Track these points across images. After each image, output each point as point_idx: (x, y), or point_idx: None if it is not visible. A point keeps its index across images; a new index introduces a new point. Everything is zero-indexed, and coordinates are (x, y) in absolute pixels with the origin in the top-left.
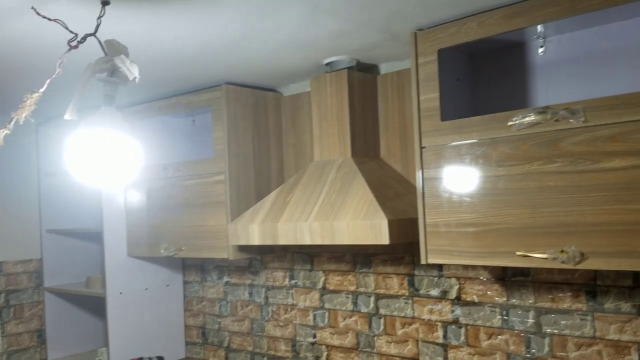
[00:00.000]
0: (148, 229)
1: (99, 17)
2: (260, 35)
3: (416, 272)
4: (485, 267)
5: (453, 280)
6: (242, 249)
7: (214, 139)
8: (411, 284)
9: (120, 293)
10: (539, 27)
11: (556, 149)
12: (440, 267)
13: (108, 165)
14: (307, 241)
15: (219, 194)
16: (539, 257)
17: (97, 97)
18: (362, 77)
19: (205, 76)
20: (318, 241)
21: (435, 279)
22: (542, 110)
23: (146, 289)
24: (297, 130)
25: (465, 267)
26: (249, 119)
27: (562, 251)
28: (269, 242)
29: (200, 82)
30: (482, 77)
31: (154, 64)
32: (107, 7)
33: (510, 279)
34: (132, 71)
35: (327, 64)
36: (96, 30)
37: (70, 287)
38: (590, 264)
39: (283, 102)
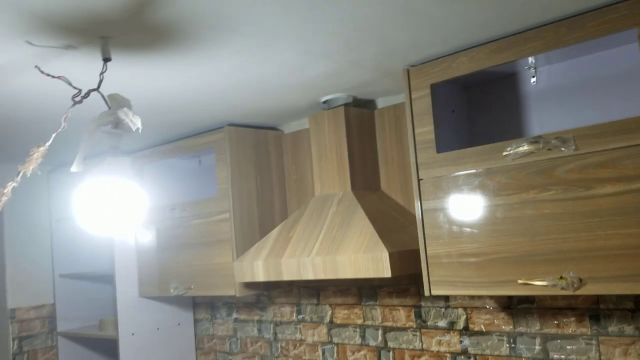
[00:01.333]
0: (158, 269)
1: (101, 73)
2: (258, 79)
3: (422, 304)
4: (491, 296)
5: (460, 310)
6: (249, 285)
7: (218, 178)
8: (418, 315)
9: (133, 334)
10: (530, 58)
11: (550, 177)
12: (446, 297)
13: (115, 213)
14: (311, 276)
15: (224, 232)
16: (539, 285)
17: (104, 145)
18: (359, 112)
19: (208, 119)
20: (321, 276)
21: (442, 309)
22: (535, 140)
23: (158, 328)
24: (298, 166)
25: (472, 297)
26: (251, 158)
27: (561, 277)
28: (273, 279)
29: (204, 124)
30: (478, 108)
31: (157, 111)
32: (109, 63)
33: (516, 306)
34: (135, 122)
35: (325, 102)
36: (99, 86)
37: (84, 331)
38: (589, 290)
39: (284, 139)
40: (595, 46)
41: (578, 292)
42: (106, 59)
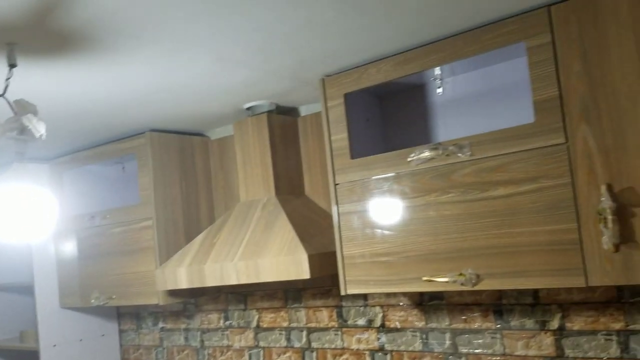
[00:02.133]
0: (79, 279)
1: (7, 79)
2: (175, 85)
3: (344, 304)
4: (405, 294)
5: (377, 308)
6: (173, 293)
7: (140, 185)
8: (340, 315)
9: (54, 346)
10: (437, 70)
11: (449, 181)
12: (365, 296)
13: (25, 220)
14: (234, 281)
15: (146, 239)
16: (441, 281)
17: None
18: (283, 119)
19: (130, 124)
20: (244, 280)
21: (362, 308)
22: (435, 147)
23: (81, 340)
24: (225, 172)
25: (388, 294)
26: (175, 164)
27: (461, 274)
28: (196, 285)
29: (126, 130)
30: (391, 116)
31: (73, 116)
32: (16, 69)
33: (427, 303)
34: (39, 129)
35: (248, 109)
36: (4, 92)
37: (4, 343)
38: (486, 285)
39: (211, 145)
40: (495, 58)
41: (476, 288)
42: (12, 65)
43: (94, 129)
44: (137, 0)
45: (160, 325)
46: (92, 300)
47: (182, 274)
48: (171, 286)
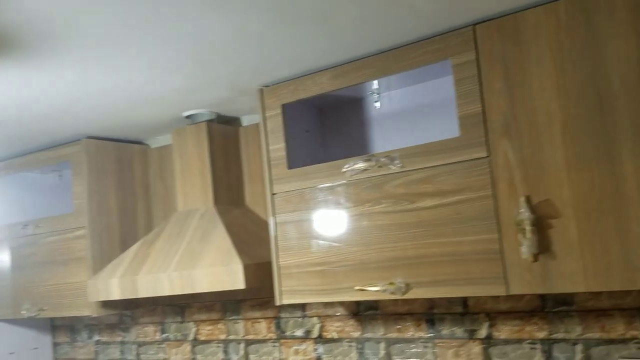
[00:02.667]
0: (11, 289)
1: None
2: (110, 91)
3: (282, 315)
4: (342, 304)
5: (315, 319)
6: (107, 304)
7: (74, 193)
8: (278, 326)
9: None
10: (374, 84)
11: (381, 192)
12: (303, 307)
13: None
14: (167, 292)
15: (79, 249)
16: (373, 290)
17: None
18: (223, 129)
19: (66, 131)
20: (178, 291)
21: (300, 319)
22: (368, 158)
23: (12, 353)
24: (165, 181)
25: (325, 305)
26: (112, 172)
27: (391, 283)
28: (129, 296)
29: (63, 137)
30: (330, 128)
31: (3, 122)
32: None
33: (363, 313)
34: None
35: (188, 117)
36: None
37: None
38: (414, 294)
39: (150, 154)
40: (430, 75)
41: (405, 296)
42: None
43: (28, 135)
44: (67, 5)
45: (96, 338)
46: (23, 312)
47: (114, 284)
48: (103, 297)
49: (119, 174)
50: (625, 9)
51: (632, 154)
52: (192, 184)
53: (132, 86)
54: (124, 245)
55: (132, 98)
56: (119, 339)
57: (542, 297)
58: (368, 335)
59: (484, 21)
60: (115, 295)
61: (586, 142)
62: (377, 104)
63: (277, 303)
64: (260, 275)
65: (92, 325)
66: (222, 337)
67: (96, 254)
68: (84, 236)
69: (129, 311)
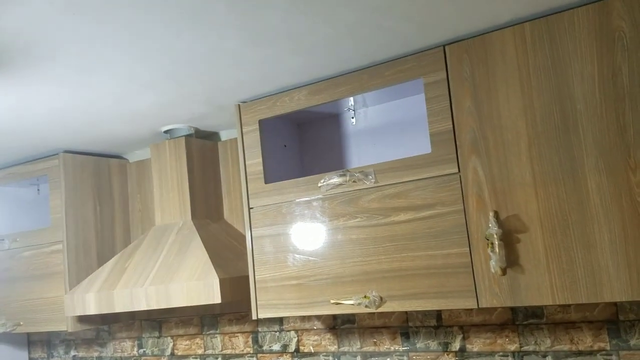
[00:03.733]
0: None
1: None
2: (86, 106)
3: (260, 329)
4: (319, 317)
5: (292, 333)
6: (83, 319)
7: (51, 207)
8: (255, 340)
9: None
10: (351, 101)
11: (356, 206)
12: (281, 321)
13: None
14: (143, 307)
15: (56, 264)
16: (348, 304)
17: None
18: (202, 143)
19: (44, 145)
20: (154, 306)
21: (277, 333)
22: (343, 173)
23: None
24: (143, 196)
25: (303, 319)
26: (90, 186)
27: (365, 296)
28: (105, 311)
29: (40, 151)
30: (308, 143)
31: None
32: None
33: (340, 327)
34: None
35: (166, 132)
36: None
37: None
38: (388, 307)
39: (129, 168)
40: (404, 92)
41: (379, 310)
42: None
43: (6, 149)
44: (45, 22)
45: (72, 353)
46: None
47: (91, 299)
48: (80, 312)
49: (96, 188)
50: (587, 30)
51: (595, 170)
52: (170, 199)
53: (110, 101)
54: (101, 260)
55: (110, 113)
56: (95, 354)
57: (513, 310)
58: (345, 348)
59: (453, 42)
60: (92, 310)
61: (552, 159)
62: (353, 120)
63: (254, 317)
64: (238, 289)
65: (68, 341)
66: (200, 351)
67: (73, 269)
68: (60, 250)
69: (106, 326)
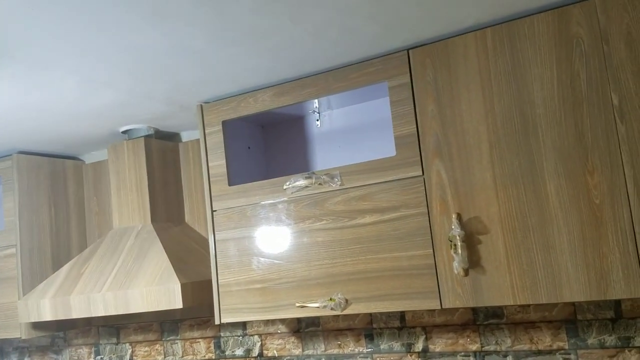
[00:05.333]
0: None
1: None
2: (41, 105)
3: (222, 334)
4: (283, 321)
5: (256, 337)
6: (38, 326)
7: (4, 210)
8: (217, 346)
9: None
10: (316, 103)
11: (322, 209)
12: (244, 325)
13: None
14: (101, 312)
15: (10, 268)
16: (313, 307)
17: None
18: (162, 144)
19: None
20: (112, 312)
21: (240, 338)
22: (309, 176)
23: None
24: (100, 198)
25: (266, 322)
26: (45, 188)
27: (331, 299)
28: (61, 317)
29: None
30: (273, 145)
31: None
32: None
33: (304, 330)
34: None
35: (125, 132)
36: None
37: None
38: (354, 309)
39: (85, 169)
40: (369, 95)
41: (345, 312)
42: None
43: None
44: None
45: None
46: None
47: (46, 305)
48: (34, 318)
49: (52, 190)
50: (547, 36)
51: (554, 173)
52: (128, 201)
53: (67, 100)
54: (57, 264)
55: (67, 112)
56: None
57: (474, 311)
58: (309, 352)
59: (417, 46)
60: (47, 316)
61: (512, 163)
62: (318, 123)
63: (217, 322)
64: (199, 294)
65: (22, 348)
66: (160, 358)
67: (27, 274)
68: (14, 255)
69: (61, 332)
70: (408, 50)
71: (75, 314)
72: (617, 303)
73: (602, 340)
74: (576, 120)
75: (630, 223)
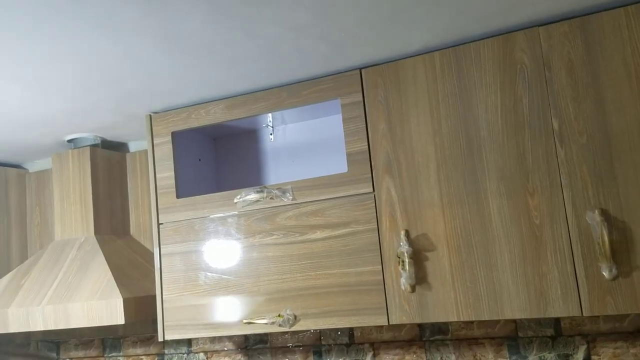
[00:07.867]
0: None
1: None
2: None
3: (166, 351)
4: (230, 338)
5: (201, 355)
6: None
7: None
8: None
9: None
10: (269, 117)
11: (273, 224)
12: (189, 342)
13: None
14: (40, 327)
15: None
16: (261, 323)
17: None
18: (108, 154)
19: None
20: (52, 326)
21: (185, 355)
22: (260, 190)
23: None
24: (43, 208)
25: (212, 339)
26: None
27: (279, 315)
28: None
29: None
30: (225, 158)
31: None
32: None
33: (252, 347)
34: None
35: (70, 141)
36: None
37: None
38: (302, 325)
39: (28, 178)
40: (323, 112)
41: (293, 328)
42: None
43: None
44: None
45: None
46: None
47: None
48: None
49: None
50: (492, 61)
51: (497, 193)
52: (71, 212)
53: (11, 106)
54: None
55: (10, 119)
56: None
57: (421, 327)
58: None
59: (369, 66)
60: None
61: (457, 182)
62: (272, 137)
63: (160, 339)
64: (143, 309)
65: None
66: None
67: None
68: None
69: None
70: (360, 69)
71: (13, 328)
72: (557, 321)
73: (542, 357)
74: (518, 143)
75: (568, 243)
